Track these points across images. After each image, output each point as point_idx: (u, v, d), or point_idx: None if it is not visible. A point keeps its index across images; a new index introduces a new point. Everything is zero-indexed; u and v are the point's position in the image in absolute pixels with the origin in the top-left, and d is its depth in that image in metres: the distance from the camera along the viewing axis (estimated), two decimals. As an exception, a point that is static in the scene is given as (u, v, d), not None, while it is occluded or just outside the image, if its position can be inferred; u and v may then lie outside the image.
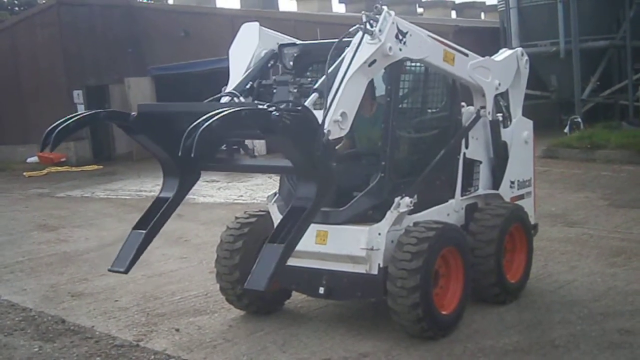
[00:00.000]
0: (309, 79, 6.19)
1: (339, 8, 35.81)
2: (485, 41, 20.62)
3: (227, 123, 4.88)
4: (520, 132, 7.87)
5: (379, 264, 6.26)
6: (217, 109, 5.04)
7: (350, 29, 5.85)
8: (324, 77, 5.70)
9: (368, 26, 5.75)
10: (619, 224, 10.32)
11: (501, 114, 7.77)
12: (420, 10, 39.04)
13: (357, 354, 6.13)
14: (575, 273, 8.04)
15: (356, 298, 6.79)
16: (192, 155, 4.60)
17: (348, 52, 5.76)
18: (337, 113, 5.50)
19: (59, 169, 22.98)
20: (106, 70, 24.98)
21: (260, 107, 5.03)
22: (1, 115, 25.72)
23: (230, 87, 6.39)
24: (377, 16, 5.81)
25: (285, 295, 7.33)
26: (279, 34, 7.02)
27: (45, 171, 22.47)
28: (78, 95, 24.29)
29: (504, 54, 7.69)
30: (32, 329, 7.34)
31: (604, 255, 8.69)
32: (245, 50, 6.66)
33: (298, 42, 6.99)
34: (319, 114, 5.41)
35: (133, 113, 5.67)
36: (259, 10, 25.44)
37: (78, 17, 24.78)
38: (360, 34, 5.75)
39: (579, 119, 19.38)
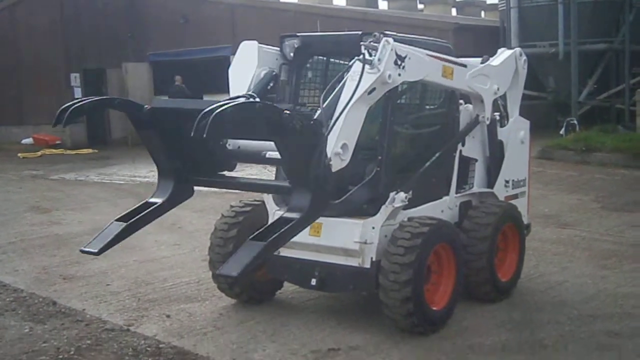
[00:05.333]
0: (309, 108, 6.19)
1: (339, 0, 35.79)
2: (485, 40, 20.66)
3: (240, 111, 5.03)
4: (516, 131, 7.89)
5: (371, 258, 6.29)
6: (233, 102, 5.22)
7: (350, 63, 5.86)
8: (320, 110, 5.68)
9: (367, 55, 5.75)
10: (611, 227, 10.37)
11: (498, 113, 7.78)
12: (420, 6, 39.03)
13: (347, 346, 6.16)
14: (566, 274, 8.08)
15: (348, 291, 6.83)
16: (204, 135, 4.67)
17: (347, 81, 5.79)
18: (338, 145, 5.56)
19: (54, 151, 22.97)
20: (105, 54, 24.93)
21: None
22: (-3, 96, 25.69)
23: None
24: (376, 44, 5.82)
25: (276, 286, 7.35)
26: (275, 48, 7.02)
27: (39, 153, 22.46)
28: (75, 78, 24.25)
29: (502, 54, 7.67)
30: (23, 310, 7.35)
31: (595, 258, 8.73)
32: (245, 71, 6.67)
33: (298, 34, 7.01)
34: None
35: (146, 106, 5.72)
36: (259, 0, 25.35)
37: (79, 0, 24.69)
38: (359, 63, 5.75)
39: (575, 121, 19.44)
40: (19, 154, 22.22)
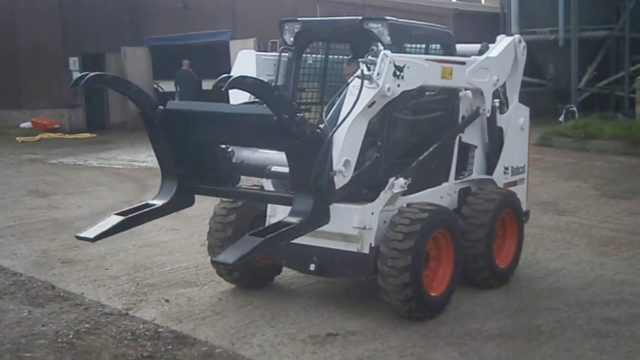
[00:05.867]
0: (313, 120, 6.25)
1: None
2: (485, 26, 20.58)
3: (258, 90, 5.33)
4: (516, 118, 7.88)
5: (370, 243, 6.30)
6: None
7: (350, 80, 5.87)
8: (324, 125, 5.75)
9: (365, 70, 5.77)
10: (609, 214, 10.38)
11: (498, 100, 7.77)
12: (420, -9, 38.83)
13: (345, 331, 6.18)
14: (564, 261, 8.10)
15: (346, 276, 6.83)
16: (223, 90, 4.93)
17: (347, 96, 5.81)
18: (341, 162, 5.62)
19: (52, 135, 22.92)
20: (104, 38, 24.83)
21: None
22: (-4, 80, 25.58)
23: None
24: (374, 58, 5.82)
25: (275, 271, 7.36)
26: (273, 54, 7.10)
27: (38, 137, 22.41)
28: (74, 63, 24.17)
29: (501, 43, 7.61)
30: (21, 294, 7.36)
31: (594, 245, 8.75)
32: None
33: (298, 18, 7.01)
34: None
35: (160, 106, 5.84)
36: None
37: (77, -17, 24.59)
38: (358, 79, 5.77)
39: (575, 108, 19.40)
40: (18, 138, 22.16)
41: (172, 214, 6.49)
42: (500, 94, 7.92)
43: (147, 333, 6.26)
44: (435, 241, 6.45)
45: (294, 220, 5.40)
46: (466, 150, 7.36)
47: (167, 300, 7.08)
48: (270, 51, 7.42)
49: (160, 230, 9.83)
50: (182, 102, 6.34)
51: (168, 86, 28.09)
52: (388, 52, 5.89)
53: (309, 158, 5.40)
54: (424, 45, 6.98)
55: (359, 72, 5.76)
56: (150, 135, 6.02)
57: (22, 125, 24.24)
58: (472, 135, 7.39)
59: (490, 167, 7.60)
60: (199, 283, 7.58)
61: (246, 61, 6.91)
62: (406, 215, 6.19)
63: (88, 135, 23.24)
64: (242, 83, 5.26)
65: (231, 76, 5.09)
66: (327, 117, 5.88)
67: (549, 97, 22.07)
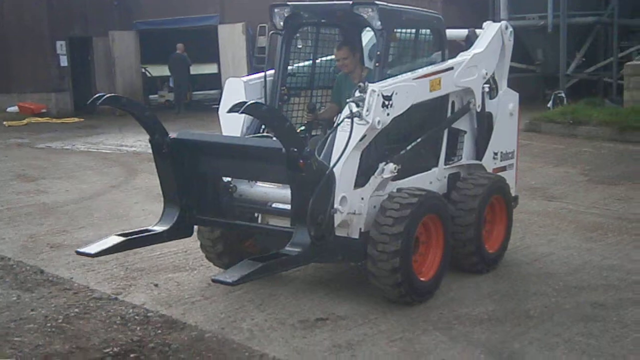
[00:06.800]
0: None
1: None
2: (474, 11, 20.55)
3: (270, 120, 5.53)
4: (506, 104, 7.89)
5: (360, 229, 6.30)
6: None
7: (340, 121, 5.94)
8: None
9: (354, 108, 5.83)
10: (597, 200, 10.42)
11: (488, 85, 7.76)
12: (409, -23, 38.73)
13: (335, 316, 6.20)
14: (552, 246, 8.14)
15: (336, 261, 6.82)
16: (239, 112, 5.08)
17: (338, 132, 5.90)
18: (337, 200, 5.76)
19: (39, 119, 22.79)
20: (91, 22, 24.65)
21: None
22: (-18, 63, 25.36)
23: None
24: (362, 94, 5.88)
25: (265, 256, 7.35)
26: (258, 77, 7.12)
27: (25, 121, 22.27)
28: (61, 46, 24.01)
29: (488, 31, 7.60)
30: (10, 278, 7.34)
31: (581, 230, 8.79)
32: None
33: (289, 2, 6.99)
34: None
35: (171, 135, 6.01)
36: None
37: (64, -34, 24.36)
38: (348, 119, 5.84)
39: (563, 94, 19.44)
40: (4, 122, 22.01)
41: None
42: (489, 79, 7.92)
43: (136, 317, 6.27)
44: (424, 226, 6.47)
45: (293, 251, 5.56)
46: (456, 135, 7.38)
47: (156, 285, 7.08)
48: (259, 36, 7.40)
49: (149, 215, 9.80)
50: (192, 133, 6.45)
51: (156, 70, 27.97)
52: (375, 86, 5.97)
53: (312, 191, 5.52)
54: (414, 30, 6.96)
55: (347, 112, 5.85)
56: (158, 163, 6.20)
57: (9, 109, 24.05)
58: (462, 121, 7.40)
59: (479, 153, 7.62)
60: (188, 268, 7.58)
61: (235, 88, 6.93)
62: (396, 200, 6.21)
63: (76, 119, 23.12)
64: (256, 110, 5.37)
65: (246, 102, 5.18)
66: (321, 156, 5.92)
67: (537, 83, 22.10)
